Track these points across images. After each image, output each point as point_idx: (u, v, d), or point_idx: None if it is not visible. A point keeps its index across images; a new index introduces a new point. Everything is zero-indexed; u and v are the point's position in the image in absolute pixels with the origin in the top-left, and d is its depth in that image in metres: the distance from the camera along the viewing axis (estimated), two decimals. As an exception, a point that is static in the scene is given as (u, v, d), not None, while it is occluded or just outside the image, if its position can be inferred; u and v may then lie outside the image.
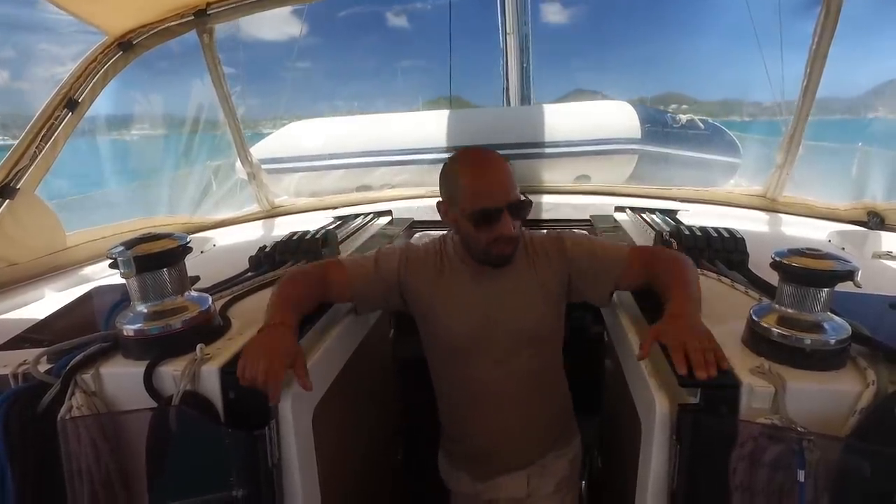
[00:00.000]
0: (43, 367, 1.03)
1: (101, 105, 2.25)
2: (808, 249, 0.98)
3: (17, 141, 1.91)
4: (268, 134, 4.21)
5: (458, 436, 1.46)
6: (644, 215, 2.30)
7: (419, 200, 2.88)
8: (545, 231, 1.38)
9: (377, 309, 1.48)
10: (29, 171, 1.90)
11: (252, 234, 2.63)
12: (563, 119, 3.95)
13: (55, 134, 1.98)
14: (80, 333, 1.13)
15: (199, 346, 1.04)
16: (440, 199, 1.28)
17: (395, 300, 1.35)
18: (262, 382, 0.96)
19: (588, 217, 2.56)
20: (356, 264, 1.34)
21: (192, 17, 2.26)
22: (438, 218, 1.30)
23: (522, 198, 1.20)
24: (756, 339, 1.01)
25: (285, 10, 2.55)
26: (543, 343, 1.35)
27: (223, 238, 2.51)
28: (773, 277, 1.06)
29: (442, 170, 1.26)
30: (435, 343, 1.37)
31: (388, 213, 2.79)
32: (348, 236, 2.18)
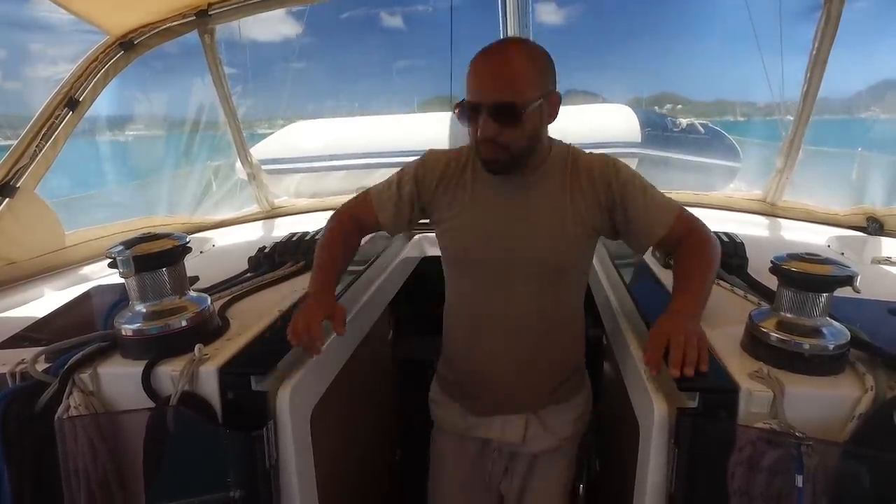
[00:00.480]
0: (41, 366, 1.03)
1: (102, 104, 2.25)
2: (807, 254, 0.98)
3: (18, 139, 1.91)
4: (265, 134, 4.21)
5: (454, 360, 1.37)
6: None
7: None
8: (598, 154, 1.24)
9: (412, 228, 1.40)
10: (29, 170, 1.90)
11: (252, 235, 2.62)
12: (563, 122, 3.95)
13: (55, 133, 1.97)
14: (78, 333, 1.13)
15: (197, 347, 1.04)
16: None
17: (419, 215, 1.31)
18: (301, 334, 1.05)
19: None
20: (380, 194, 1.31)
21: (194, 18, 2.25)
22: None
23: (516, 102, 1.06)
24: (755, 344, 1.01)
25: (283, 12, 2.55)
26: (561, 276, 1.23)
27: (223, 238, 2.51)
28: (772, 282, 1.06)
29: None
30: (446, 253, 1.30)
31: None
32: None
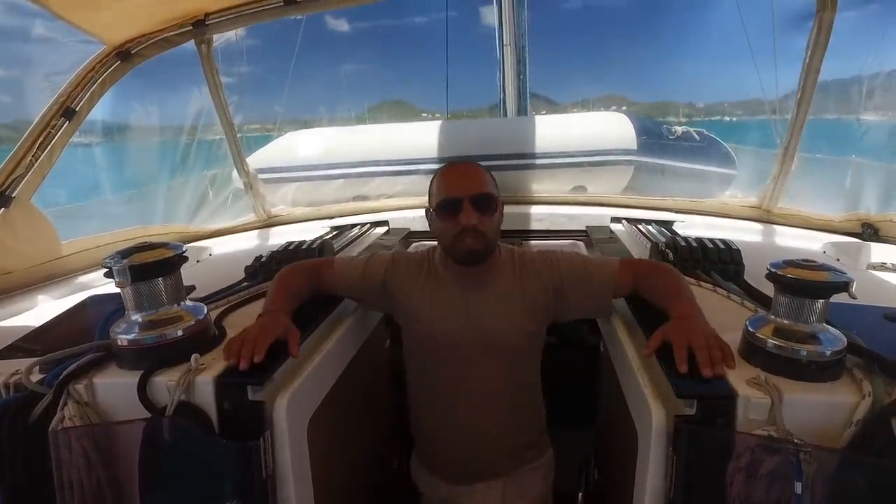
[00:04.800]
0: (35, 376, 1.02)
1: (99, 114, 2.25)
2: (803, 261, 0.98)
3: (14, 149, 1.91)
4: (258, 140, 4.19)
5: (430, 437, 1.48)
6: (640, 226, 2.30)
7: (416, 211, 2.88)
8: (527, 253, 1.41)
9: (366, 306, 1.53)
10: (25, 180, 1.90)
11: (248, 244, 2.62)
12: (560, 130, 3.97)
13: (52, 142, 1.98)
14: (73, 343, 1.13)
15: (193, 356, 1.03)
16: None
17: (379, 302, 1.44)
18: (247, 351, 1.03)
19: (584, 228, 2.57)
20: (346, 266, 1.42)
21: (191, 28, 2.26)
22: None
23: (492, 193, 1.27)
24: (752, 351, 1.01)
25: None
26: (519, 356, 1.38)
27: (219, 247, 2.51)
28: (768, 288, 1.06)
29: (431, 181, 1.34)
30: (413, 344, 1.42)
31: (385, 223, 2.79)
32: (344, 246, 2.18)
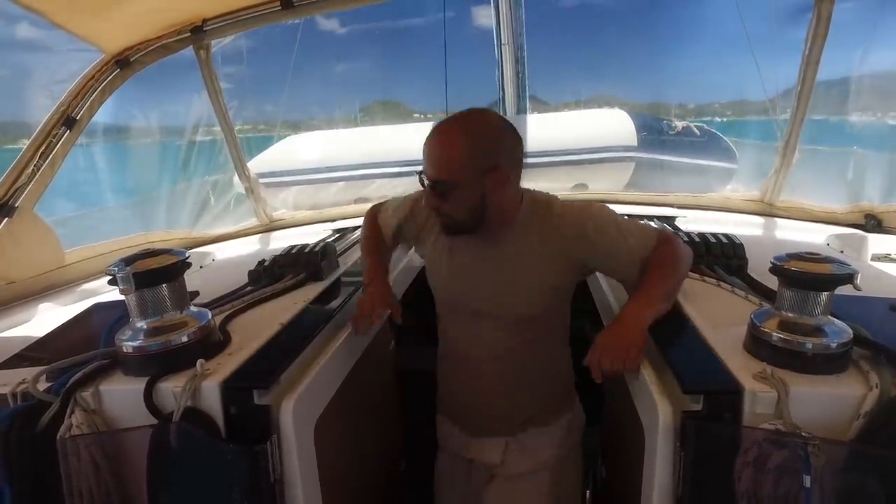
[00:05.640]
0: (42, 385, 1.03)
1: (99, 122, 2.25)
2: (807, 253, 0.98)
3: (16, 159, 1.91)
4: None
5: (446, 378, 1.48)
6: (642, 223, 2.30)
7: None
8: (572, 203, 1.29)
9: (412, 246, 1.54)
10: (27, 189, 1.91)
11: (251, 248, 2.62)
12: (560, 128, 3.97)
13: (53, 151, 1.98)
14: (79, 351, 1.13)
15: (199, 362, 1.04)
16: None
17: (412, 242, 1.48)
18: (358, 321, 1.32)
19: None
20: (388, 206, 1.50)
21: (189, 34, 2.27)
22: None
23: (451, 180, 1.16)
24: (757, 345, 1.01)
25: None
26: (533, 324, 1.31)
27: (222, 252, 2.51)
28: (772, 282, 1.06)
29: None
30: (434, 293, 1.42)
31: None
32: (347, 248, 2.18)
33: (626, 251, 1.21)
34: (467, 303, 1.31)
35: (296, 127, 4.61)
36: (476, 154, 1.14)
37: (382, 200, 1.57)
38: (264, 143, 4.00)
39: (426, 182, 1.20)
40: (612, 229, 1.22)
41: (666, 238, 1.25)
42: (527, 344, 1.32)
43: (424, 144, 1.19)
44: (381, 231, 1.49)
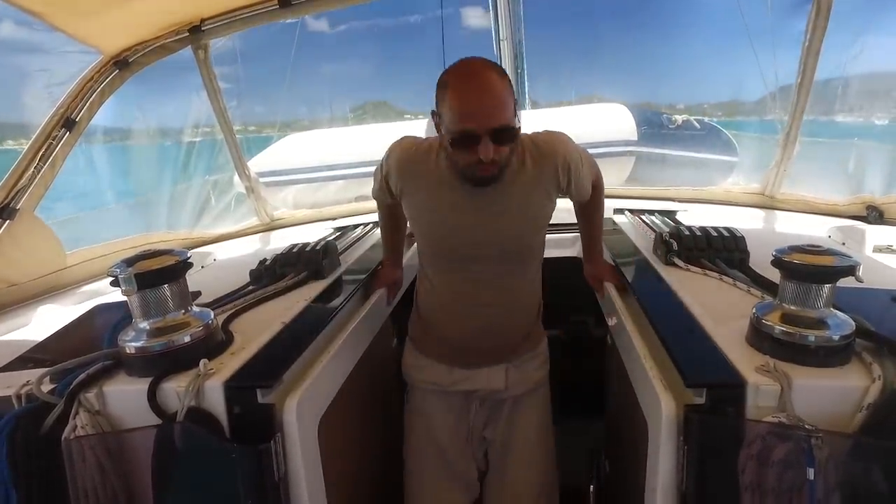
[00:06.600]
0: (46, 387, 1.03)
1: (99, 123, 2.25)
2: (808, 246, 0.98)
3: (16, 161, 1.91)
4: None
5: (433, 325, 1.50)
6: (643, 217, 2.30)
7: None
8: (541, 135, 1.37)
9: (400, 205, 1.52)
10: (28, 192, 1.91)
11: (252, 248, 2.62)
12: (559, 123, 3.95)
13: (53, 154, 1.98)
14: (82, 352, 1.13)
15: (202, 362, 1.04)
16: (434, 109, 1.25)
17: (399, 194, 1.43)
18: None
19: None
20: (376, 179, 1.52)
21: (187, 34, 2.26)
22: None
23: (511, 123, 1.16)
24: (760, 338, 1.01)
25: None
26: (527, 254, 1.42)
27: (223, 252, 2.51)
28: (774, 275, 1.06)
29: (439, 78, 1.20)
30: (422, 238, 1.46)
31: None
32: (348, 247, 2.18)
33: (585, 176, 1.40)
34: (470, 242, 1.34)
35: (295, 127, 4.61)
36: (512, 93, 1.17)
37: None
38: (263, 143, 4.00)
39: (480, 135, 1.13)
40: (577, 157, 1.36)
41: (597, 174, 1.52)
42: (519, 272, 1.43)
43: (458, 98, 1.14)
44: (381, 205, 1.60)
